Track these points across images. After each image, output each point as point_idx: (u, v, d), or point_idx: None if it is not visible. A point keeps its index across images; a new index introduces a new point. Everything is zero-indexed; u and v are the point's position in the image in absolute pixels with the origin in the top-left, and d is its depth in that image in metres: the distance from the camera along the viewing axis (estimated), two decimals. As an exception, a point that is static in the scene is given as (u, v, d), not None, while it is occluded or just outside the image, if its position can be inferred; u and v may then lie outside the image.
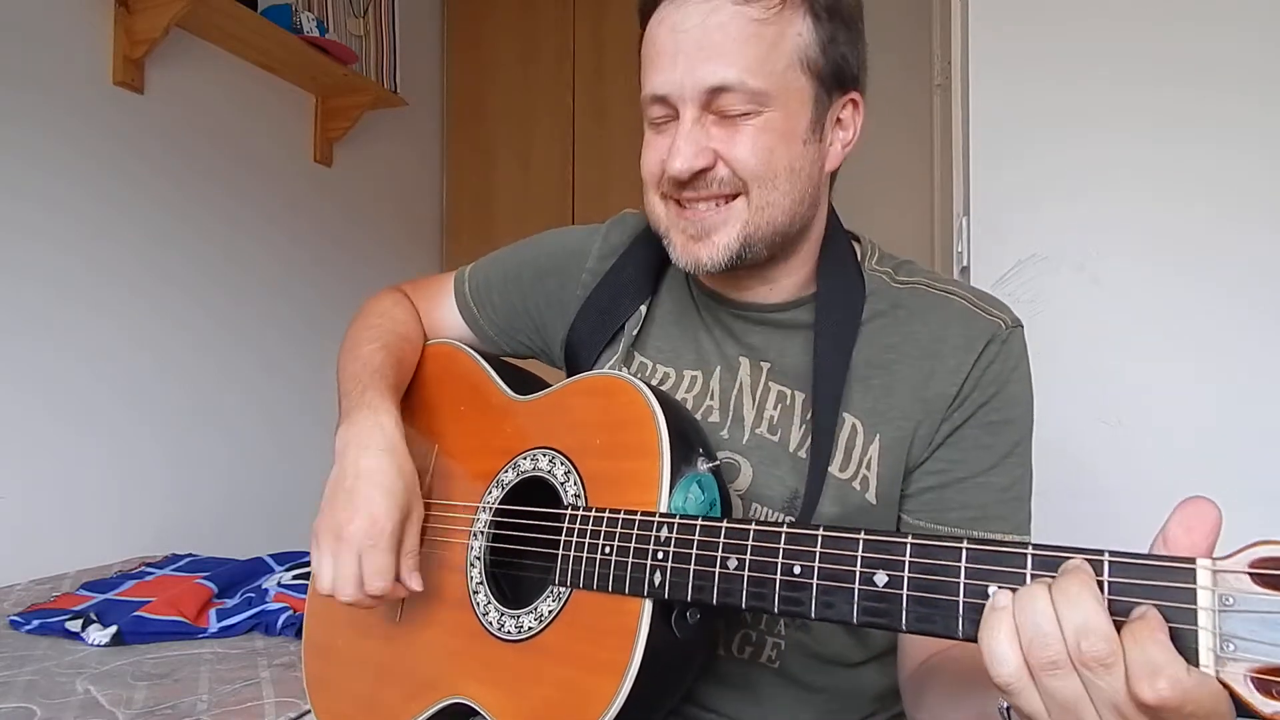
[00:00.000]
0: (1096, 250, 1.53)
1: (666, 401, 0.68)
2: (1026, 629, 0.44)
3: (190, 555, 1.77)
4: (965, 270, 1.63)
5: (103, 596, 1.48)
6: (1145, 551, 0.44)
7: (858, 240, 0.85)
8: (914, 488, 0.75)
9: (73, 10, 1.78)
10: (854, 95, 0.78)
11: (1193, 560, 0.42)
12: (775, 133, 0.72)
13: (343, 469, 0.76)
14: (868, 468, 0.74)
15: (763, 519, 0.72)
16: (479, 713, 0.71)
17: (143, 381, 1.93)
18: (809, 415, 0.76)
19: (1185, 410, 1.47)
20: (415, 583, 0.74)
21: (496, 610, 0.73)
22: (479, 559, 0.76)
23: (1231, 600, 0.41)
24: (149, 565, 1.69)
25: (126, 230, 1.90)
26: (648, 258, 0.88)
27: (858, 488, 0.74)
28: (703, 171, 0.72)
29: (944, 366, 0.74)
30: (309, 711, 1.02)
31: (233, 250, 2.19)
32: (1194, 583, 0.42)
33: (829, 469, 0.74)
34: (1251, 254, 1.45)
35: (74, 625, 1.33)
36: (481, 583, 0.75)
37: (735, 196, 0.73)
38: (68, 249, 1.77)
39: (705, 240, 0.74)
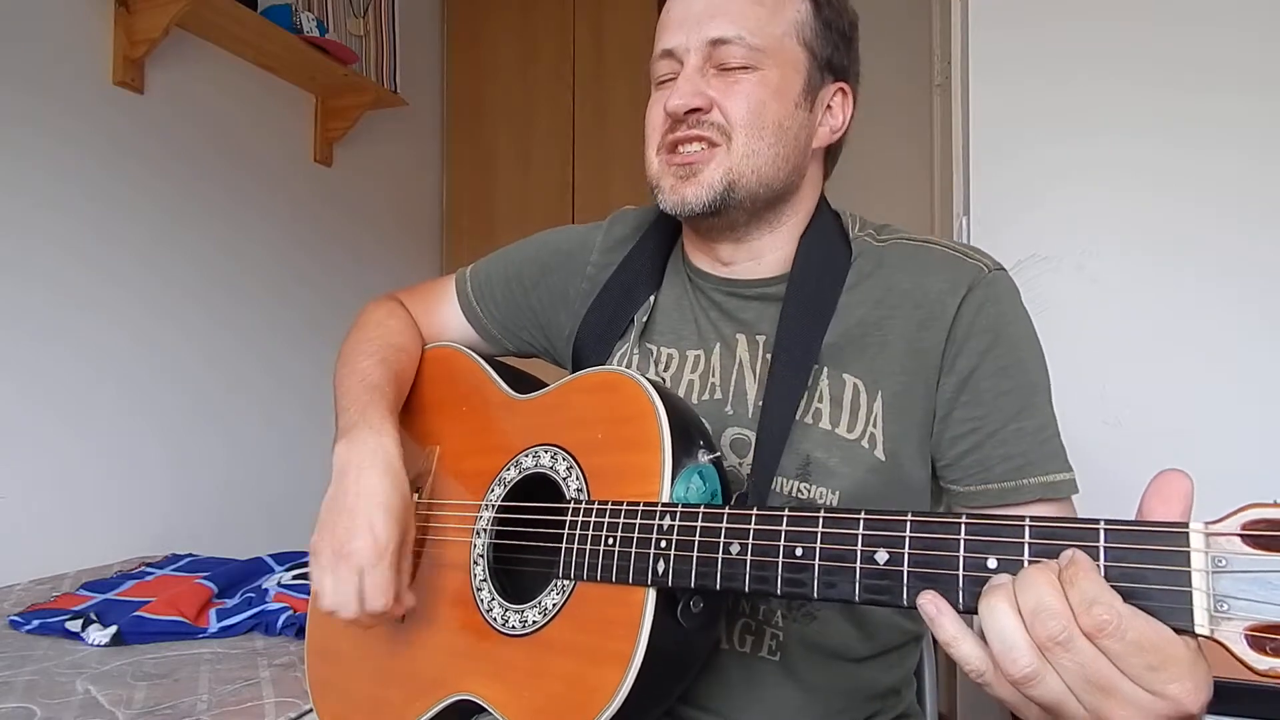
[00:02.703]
0: (1096, 250, 1.53)
1: (667, 395, 0.68)
2: (993, 644, 0.45)
3: (190, 555, 1.76)
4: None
5: (103, 596, 1.48)
6: (1137, 518, 0.45)
7: (839, 215, 0.87)
8: (951, 454, 0.75)
9: (73, 10, 1.78)
10: (843, 85, 0.83)
11: (1185, 525, 0.43)
12: (769, 89, 0.77)
13: (343, 488, 0.75)
14: (874, 425, 0.75)
15: (776, 490, 0.74)
16: (485, 709, 0.71)
17: (143, 381, 1.93)
18: (811, 379, 0.77)
19: (1185, 410, 1.47)
20: (410, 599, 0.76)
21: (500, 606, 0.73)
22: (482, 557, 0.77)
23: (1224, 561, 0.42)
24: (149, 565, 1.69)
25: (126, 230, 1.90)
26: (655, 249, 0.90)
27: (866, 445, 0.75)
28: (696, 111, 0.76)
29: (930, 315, 0.75)
30: (309, 711, 1.02)
31: (233, 250, 2.19)
32: (1187, 546, 0.43)
33: (835, 430, 0.75)
34: (1251, 254, 1.45)
35: (74, 625, 1.33)
36: (485, 580, 0.76)
37: (718, 145, 0.77)
38: (68, 249, 1.77)
39: (691, 180, 0.78)
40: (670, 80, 0.79)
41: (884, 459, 0.75)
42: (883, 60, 2.40)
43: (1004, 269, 0.78)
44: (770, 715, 0.77)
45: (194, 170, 2.07)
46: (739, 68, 0.76)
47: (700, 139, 0.77)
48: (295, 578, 1.52)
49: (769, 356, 0.79)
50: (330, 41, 2.30)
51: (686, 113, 0.76)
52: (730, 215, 0.79)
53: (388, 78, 2.61)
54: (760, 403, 0.78)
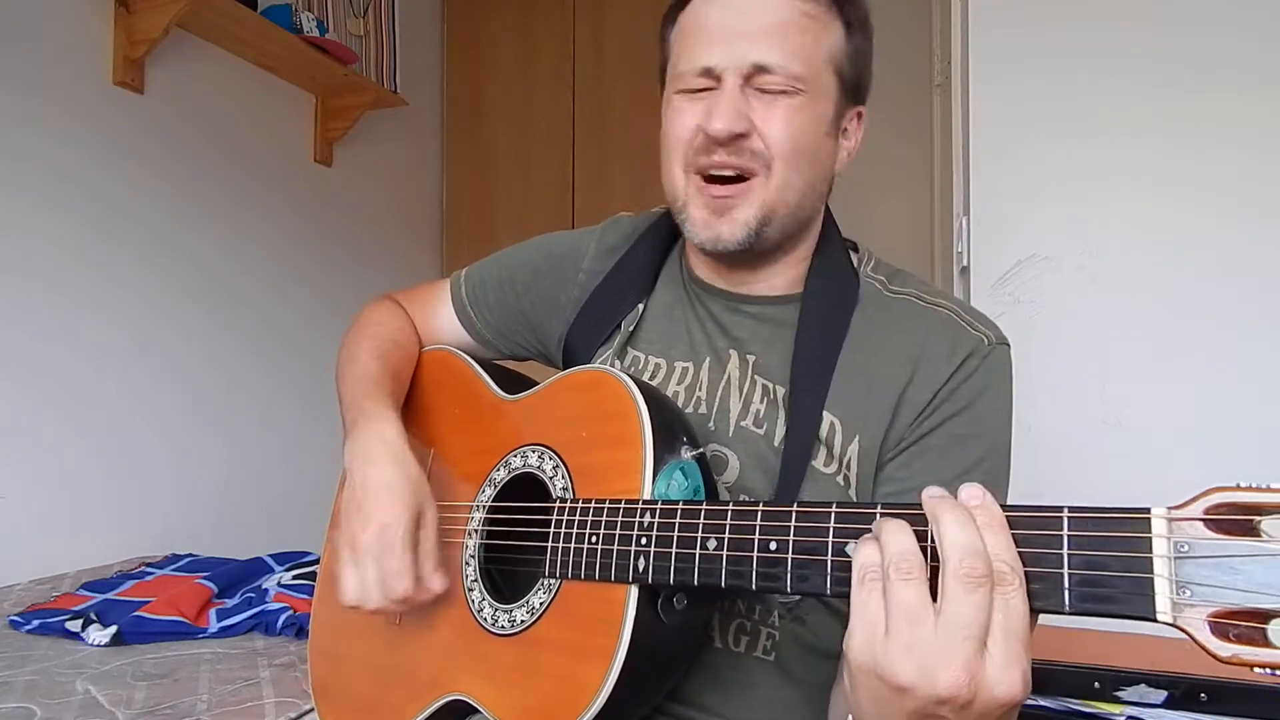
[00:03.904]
0: (1096, 250, 1.53)
1: (649, 392, 0.69)
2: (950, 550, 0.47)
3: (190, 555, 1.77)
4: (965, 270, 1.63)
5: (103, 596, 1.48)
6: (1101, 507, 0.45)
7: (855, 248, 0.86)
8: (876, 494, 0.75)
9: (73, 10, 1.79)
10: (861, 109, 0.83)
11: (1148, 510, 0.43)
12: (806, 115, 0.75)
13: (353, 483, 0.76)
14: (848, 467, 0.75)
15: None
16: (477, 709, 0.72)
17: (143, 381, 1.94)
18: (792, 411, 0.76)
19: (1185, 410, 1.47)
20: (438, 583, 0.73)
21: (490, 606, 0.73)
22: (473, 557, 0.77)
23: (1187, 547, 0.41)
24: (149, 565, 1.69)
25: (126, 230, 1.90)
26: (648, 256, 0.90)
27: (841, 483, 0.75)
28: (738, 138, 0.74)
29: (923, 375, 0.74)
30: (309, 711, 1.02)
31: (233, 250, 2.19)
32: (1149, 532, 0.42)
33: (812, 463, 0.75)
34: (1251, 254, 1.45)
35: (74, 625, 1.33)
36: (476, 580, 0.76)
37: (755, 175, 0.75)
38: (68, 249, 1.77)
39: (726, 216, 0.76)
40: (704, 91, 0.76)
41: (855, 497, 0.75)
42: (883, 60, 2.39)
43: (1007, 344, 0.77)
44: (766, 715, 0.77)
45: (194, 170, 2.07)
46: (779, 91, 0.74)
47: (737, 167, 0.75)
48: (295, 578, 1.52)
49: (757, 378, 0.79)
50: (330, 41, 2.30)
51: (729, 138, 0.74)
52: (760, 247, 0.78)
53: (388, 78, 2.61)
54: (743, 423, 0.78)
